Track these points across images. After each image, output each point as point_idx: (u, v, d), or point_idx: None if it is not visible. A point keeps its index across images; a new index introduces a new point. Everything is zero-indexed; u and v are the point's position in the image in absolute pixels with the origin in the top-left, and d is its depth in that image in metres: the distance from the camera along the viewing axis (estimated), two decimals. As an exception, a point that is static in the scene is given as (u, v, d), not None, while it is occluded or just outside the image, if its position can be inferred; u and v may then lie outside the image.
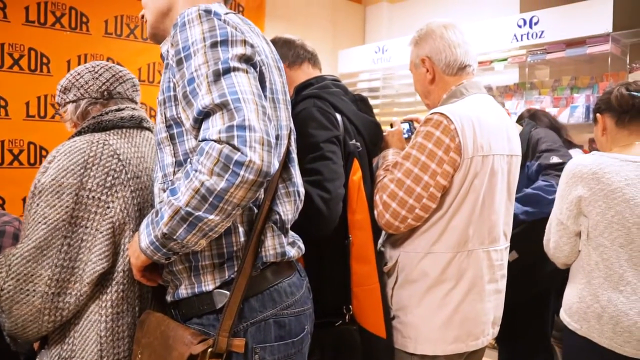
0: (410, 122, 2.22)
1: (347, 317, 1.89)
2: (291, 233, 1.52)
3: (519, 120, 3.46)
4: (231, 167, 1.14)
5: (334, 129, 1.85)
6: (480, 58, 5.30)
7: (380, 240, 2.03)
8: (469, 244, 1.83)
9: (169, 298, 1.46)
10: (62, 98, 1.73)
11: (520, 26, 5.03)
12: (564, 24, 4.75)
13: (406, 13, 6.53)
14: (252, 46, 1.32)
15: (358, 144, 1.94)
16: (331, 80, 2.06)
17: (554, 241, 2.14)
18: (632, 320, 1.92)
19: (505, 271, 2.00)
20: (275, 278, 1.41)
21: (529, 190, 2.79)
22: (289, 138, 1.51)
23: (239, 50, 1.28)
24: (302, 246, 1.54)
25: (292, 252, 1.47)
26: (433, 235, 1.83)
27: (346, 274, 1.89)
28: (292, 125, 1.56)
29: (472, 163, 1.78)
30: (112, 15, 4.51)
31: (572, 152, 3.31)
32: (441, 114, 1.79)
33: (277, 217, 1.42)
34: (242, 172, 1.14)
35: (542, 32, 4.88)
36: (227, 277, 1.36)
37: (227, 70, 1.23)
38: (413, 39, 2.04)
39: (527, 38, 4.98)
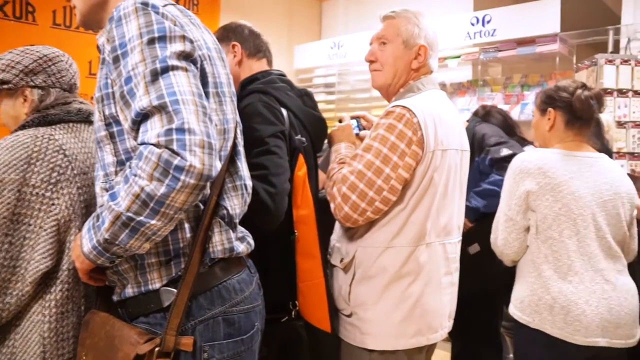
0: (357, 118, 2.21)
1: (293, 312, 1.87)
2: (240, 228, 1.49)
3: (474, 116, 3.52)
4: (171, 172, 1.11)
5: (279, 124, 1.83)
6: (435, 55, 5.36)
7: (334, 236, 2.02)
8: (427, 238, 1.81)
9: (115, 297, 1.41)
10: (22, 79, 1.63)
11: (473, 24, 5.11)
12: (515, 23, 4.85)
13: (362, 9, 6.56)
14: (191, 41, 1.28)
15: (303, 139, 1.93)
16: (277, 75, 2.03)
17: (503, 238, 2.16)
18: (581, 309, 1.97)
19: (458, 264, 2.00)
20: (224, 274, 1.38)
21: (486, 185, 2.86)
22: (235, 131, 1.47)
23: (178, 47, 1.24)
24: (252, 241, 1.51)
25: (241, 248, 1.43)
26: (393, 229, 1.79)
27: (292, 269, 1.87)
28: (238, 118, 1.52)
29: (433, 157, 1.77)
30: (61, 5, 4.39)
31: (525, 149, 3.39)
32: (404, 107, 1.76)
33: (225, 212, 1.39)
34: (182, 177, 1.12)
35: (495, 30, 4.97)
36: (174, 274, 1.32)
37: (165, 70, 1.19)
38: (414, 16, 1.97)
39: (480, 36, 5.07)
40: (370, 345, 1.81)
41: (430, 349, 1.96)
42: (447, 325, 1.94)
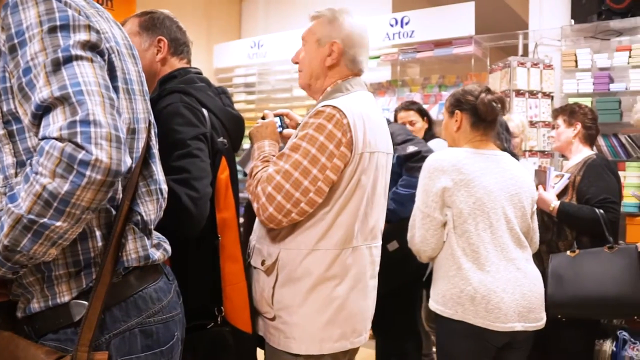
0: (281, 116, 2.17)
1: (219, 318, 1.82)
2: (155, 234, 1.41)
3: (404, 104, 3.64)
4: (75, 167, 1.03)
5: (201, 126, 1.76)
6: (354, 55, 5.41)
7: (254, 236, 1.98)
8: (353, 241, 1.79)
9: (19, 314, 1.29)
10: None
11: (392, 25, 5.19)
12: (433, 25, 4.97)
13: (283, 8, 6.53)
14: (97, 32, 1.19)
15: (225, 140, 1.88)
16: (195, 73, 1.96)
17: (420, 235, 2.21)
18: (499, 297, 2.07)
19: (378, 267, 2.00)
20: (139, 284, 1.30)
21: (401, 190, 2.93)
22: (149, 132, 1.38)
23: (83, 36, 1.15)
24: (168, 248, 1.43)
25: (157, 255, 1.36)
26: (318, 231, 1.76)
27: (216, 274, 1.82)
28: (151, 118, 1.43)
29: (361, 159, 1.75)
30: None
31: (436, 141, 3.50)
32: (334, 107, 1.72)
33: (139, 218, 1.31)
34: (88, 172, 1.04)
35: (413, 32, 5.07)
36: (84, 286, 1.23)
37: (69, 59, 1.10)
38: (325, 13, 1.94)
39: (399, 37, 5.16)
40: (295, 349, 1.77)
41: (353, 351, 1.94)
42: (369, 328, 1.93)
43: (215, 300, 1.82)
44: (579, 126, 2.86)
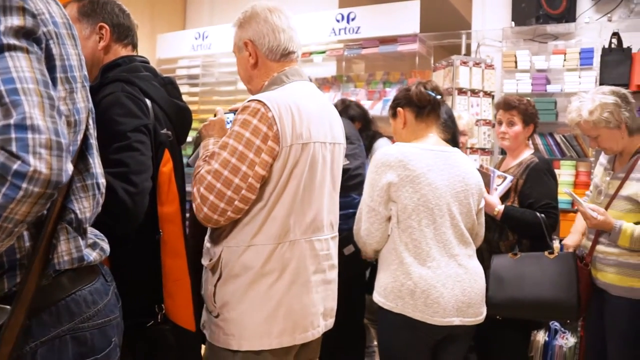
0: (235, 112, 2.15)
1: (159, 316, 1.78)
2: (92, 232, 1.33)
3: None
4: (9, 179, 0.93)
5: (143, 117, 1.70)
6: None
7: (207, 236, 1.96)
8: (290, 234, 1.78)
9: None
10: None
11: (338, 21, 5.22)
12: (378, 22, 5.02)
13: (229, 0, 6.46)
14: (33, 15, 1.06)
15: (169, 132, 1.84)
16: (140, 62, 1.90)
17: (366, 228, 2.26)
18: (439, 292, 2.13)
19: (334, 261, 1.98)
20: (72, 286, 1.21)
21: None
22: (87, 122, 1.27)
23: (15, 21, 1.02)
24: (106, 247, 1.36)
25: (93, 256, 1.27)
26: (254, 227, 1.75)
27: (157, 271, 1.78)
28: (91, 105, 1.31)
29: (290, 151, 1.73)
30: None
31: (381, 140, 3.52)
32: (259, 101, 1.71)
33: (72, 216, 1.20)
34: (24, 185, 0.94)
35: (359, 28, 5.11)
36: (6, 289, 1.10)
37: (0, 50, 0.98)
38: (237, 20, 1.95)
39: (345, 33, 5.19)
40: (234, 346, 1.77)
41: (305, 348, 1.93)
42: (323, 324, 1.92)
43: (156, 298, 1.78)
44: (532, 127, 2.93)
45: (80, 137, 1.22)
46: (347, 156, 2.92)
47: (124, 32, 1.91)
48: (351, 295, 3.11)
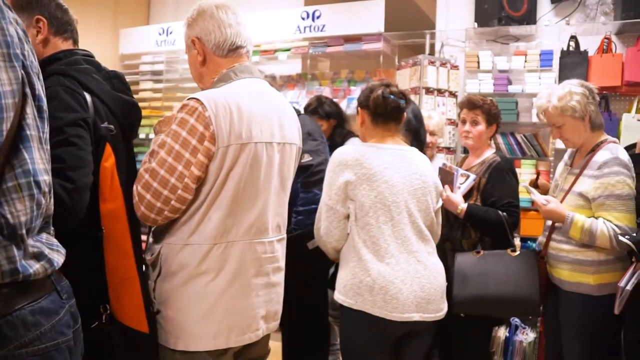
0: None
1: (104, 317, 1.73)
2: (42, 241, 1.20)
3: (308, 108, 3.60)
4: None
5: (81, 111, 1.66)
6: (265, 47, 5.40)
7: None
8: (228, 236, 1.76)
9: None
10: None
11: (303, 19, 5.21)
12: (343, 20, 5.03)
13: (193, -5, 6.37)
14: None
15: (111, 126, 1.78)
16: (82, 55, 1.85)
17: (325, 227, 2.29)
18: (397, 287, 2.18)
19: (281, 264, 1.97)
20: (6, 305, 1.07)
21: (302, 208, 2.91)
22: (23, 109, 1.12)
23: None
24: (57, 258, 1.24)
25: (34, 268, 1.13)
26: (190, 226, 1.74)
27: (101, 269, 1.73)
28: (28, 89, 1.17)
29: (228, 152, 1.71)
30: None
31: (353, 140, 3.54)
32: (197, 99, 1.70)
33: (2, 221, 1.07)
34: None
35: (324, 26, 5.11)
36: None
37: None
38: (186, 19, 1.94)
39: (310, 31, 5.18)
40: (171, 344, 1.76)
41: (249, 349, 1.91)
42: (264, 327, 1.90)
43: (99, 298, 1.73)
44: (495, 127, 2.98)
45: (5, 126, 1.05)
46: (309, 152, 2.92)
47: (63, 26, 1.86)
48: (314, 293, 3.12)
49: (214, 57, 1.88)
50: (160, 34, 6.00)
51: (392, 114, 2.35)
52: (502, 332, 3.82)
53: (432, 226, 2.39)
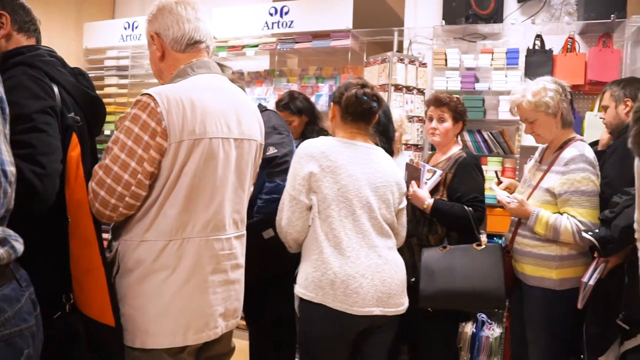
0: None
1: (67, 307, 1.72)
2: (2, 230, 1.23)
3: (280, 103, 3.59)
4: None
5: (49, 99, 1.65)
6: (233, 43, 5.35)
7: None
8: (184, 232, 1.75)
9: None
10: None
11: (271, 14, 5.18)
12: (311, 16, 5.01)
13: (158, -10, 6.28)
14: None
15: (78, 117, 1.77)
16: (46, 50, 1.83)
17: (287, 217, 2.29)
18: (358, 282, 2.19)
19: (239, 261, 1.95)
20: None
21: (265, 196, 2.88)
22: None
23: None
24: (18, 245, 1.27)
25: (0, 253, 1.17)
26: (145, 222, 1.73)
27: (65, 258, 1.72)
28: None
29: (180, 148, 1.70)
30: None
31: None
32: (149, 95, 1.68)
33: None
34: None
35: (292, 22, 5.09)
36: None
37: None
38: (147, 15, 1.93)
39: (278, 27, 5.15)
40: (129, 341, 1.74)
41: (209, 347, 1.90)
42: (222, 324, 1.88)
43: (63, 287, 1.72)
44: (461, 124, 3.01)
45: None
46: (275, 145, 2.94)
47: (26, 24, 1.85)
48: (280, 289, 3.11)
49: (172, 52, 1.87)
50: (125, 28, 5.90)
51: (362, 114, 2.37)
52: (469, 328, 3.86)
53: (393, 224, 2.40)
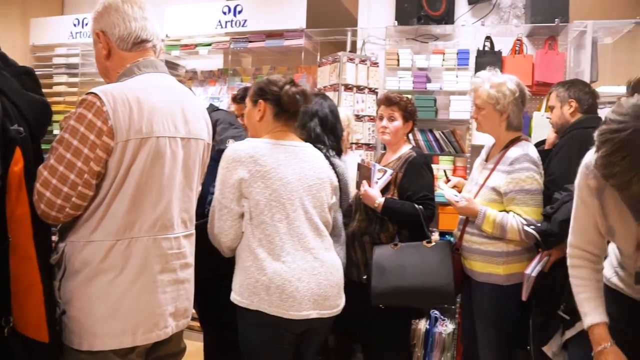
0: None
1: (6, 330, 1.64)
2: None
3: (236, 97, 3.60)
4: None
5: None
6: (186, 41, 5.30)
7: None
8: (131, 231, 1.73)
9: None
10: None
11: (225, 13, 5.14)
12: (265, 15, 5.00)
13: (109, -14, 6.15)
14: None
15: (21, 129, 1.69)
16: None
17: (219, 226, 2.25)
18: (294, 286, 2.16)
19: (189, 260, 1.94)
20: None
21: None
22: None
23: None
24: None
25: None
26: (92, 223, 1.71)
27: (4, 281, 1.65)
28: None
29: (127, 147, 1.69)
30: None
31: None
32: (95, 94, 1.66)
33: None
34: None
35: (245, 21, 5.06)
36: None
37: None
38: (92, 13, 1.91)
39: (231, 26, 5.12)
40: (75, 344, 1.70)
41: (160, 347, 1.87)
42: (173, 324, 1.87)
43: (3, 310, 1.65)
44: (411, 124, 3.05)
45: None
46: (234, 137, 2.97)
47: None
48: (229, 291, 3.09)
49: (119, 50, 1.86)
50: (75, 25, 5.76)
51: (296, 113, 2.37)
52: (422, 325, 3.92)
53: (328, 222, 2.39)
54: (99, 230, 1.70)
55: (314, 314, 2.20)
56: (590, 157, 1.79)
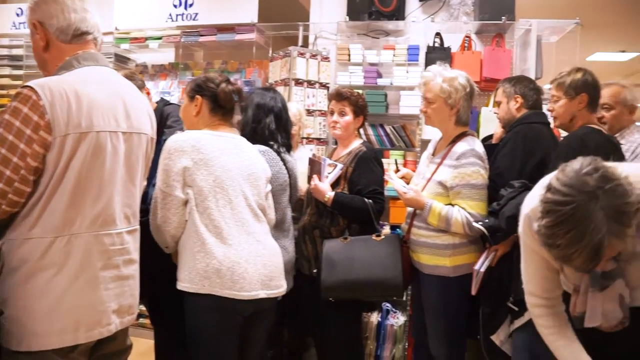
0: None
1: None
2: None
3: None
4: None
5: None
6: (136, 34, 5.20)
7: None
8: (71, 228, 1.70)
9: None
10: None
11: (175, 6, 5.08)
12: (216, 9, 4.95)
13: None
14: None
15: None
16: None
17: (162, 215, 2.26)
18: (243, 267, 2.23)
19: (133, 256, 1.92)
20: None
21: None
22: None
23: None
24: None
25: None
26: (30, 219, 1.66)
27: None
28: None
29: (66, 141, 1.65)
30: None
31: None
32: (31, 88, 1.62)
33: None
34: None
35: (197, 14, 5.01)
36: None
37: None
38: (29, 2, 1.85)
39: (182, 19, 5.06)
40: (14, 345, 1.66)
41: (104, 345, 1.84)
42: (117, 321, 1.84)
43: None
44: (362, 119, 3.09)
45: None
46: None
47: None
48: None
49: (58, 42, 1.81)
50: (18, 15, 5.60)
51: (232, 109, 2.46)
52: (374, 317, 3.96)
53: (265, 209, 2.46)
54: (38, 227, 1.66)
55: (262, 293, 2.26)
56: (531, 204, 1.76)
